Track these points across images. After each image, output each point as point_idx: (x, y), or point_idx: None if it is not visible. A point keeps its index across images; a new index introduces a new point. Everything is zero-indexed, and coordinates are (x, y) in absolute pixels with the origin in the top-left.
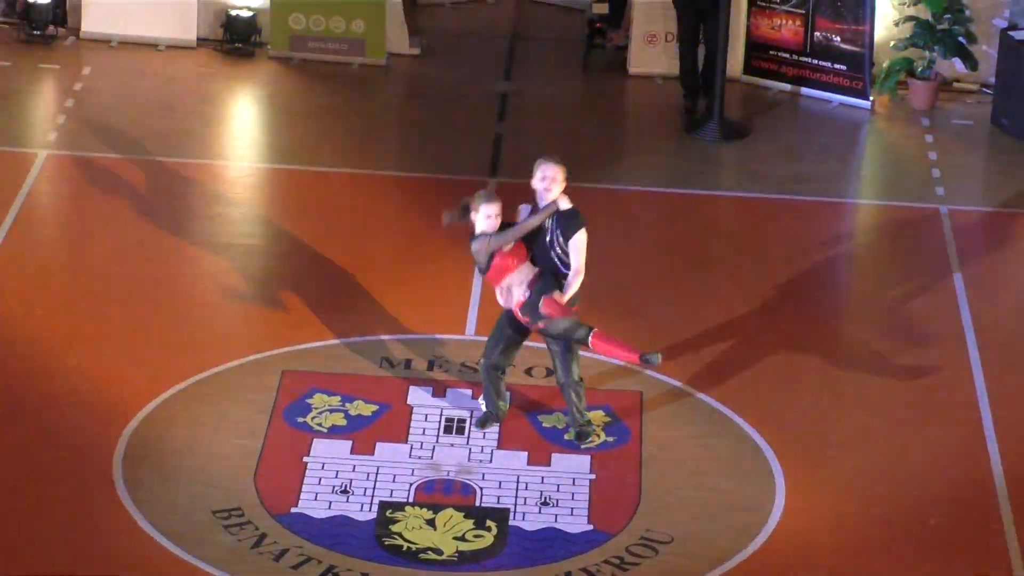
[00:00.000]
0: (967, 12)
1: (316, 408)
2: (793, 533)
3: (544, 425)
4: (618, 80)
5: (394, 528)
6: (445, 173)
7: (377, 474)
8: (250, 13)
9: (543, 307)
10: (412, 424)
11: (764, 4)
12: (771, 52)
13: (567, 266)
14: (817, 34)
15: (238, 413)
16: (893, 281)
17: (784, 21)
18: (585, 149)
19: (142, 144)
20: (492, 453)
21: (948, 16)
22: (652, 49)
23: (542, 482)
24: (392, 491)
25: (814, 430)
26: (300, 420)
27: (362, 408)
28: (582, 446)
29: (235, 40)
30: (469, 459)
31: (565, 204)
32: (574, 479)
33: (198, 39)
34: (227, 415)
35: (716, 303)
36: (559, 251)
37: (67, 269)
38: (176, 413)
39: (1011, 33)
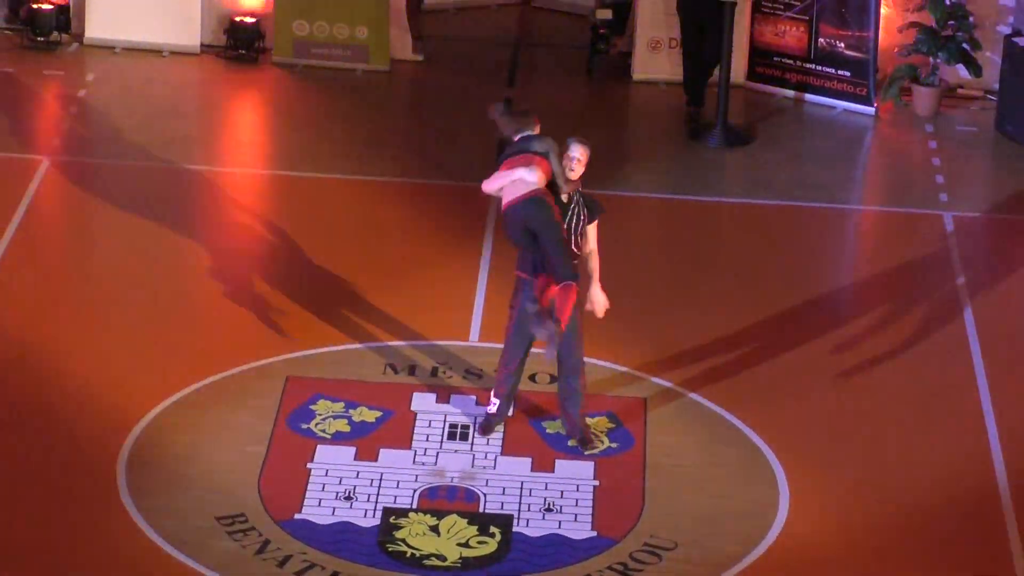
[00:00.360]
0: (971, 18)
1: (320, 414)
2: (797, 539)
3: (548, 431)
4: (622, 86)
5: (398, 534)
6: (449, 179)
7: (381, 480)
8: (253, 19)
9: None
10: (416, 430)
11: (768, 10)
12: (775, 58)
13: (576, 245)
14: (821, 40)
15: (242, 419)
16: (897, 287)
17: (788, 27)
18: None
19: (146, 150)
20: (496, 459)
21: (952, 22)
22: (656, 55)
23: (546, 488)
24: (396, 497)
25: (818, 436)
26: (304, 426)
27: (366, 414)
28: (585, 452)
29: (239, 46)
30: (473, 465)
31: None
32: (578, 485)
33: (202, 45)
34: (231, 421)
35: (719, 309)
36: (581, 226)
37: (70, 275)
38: (180, 419)
39: (1015, 39)
